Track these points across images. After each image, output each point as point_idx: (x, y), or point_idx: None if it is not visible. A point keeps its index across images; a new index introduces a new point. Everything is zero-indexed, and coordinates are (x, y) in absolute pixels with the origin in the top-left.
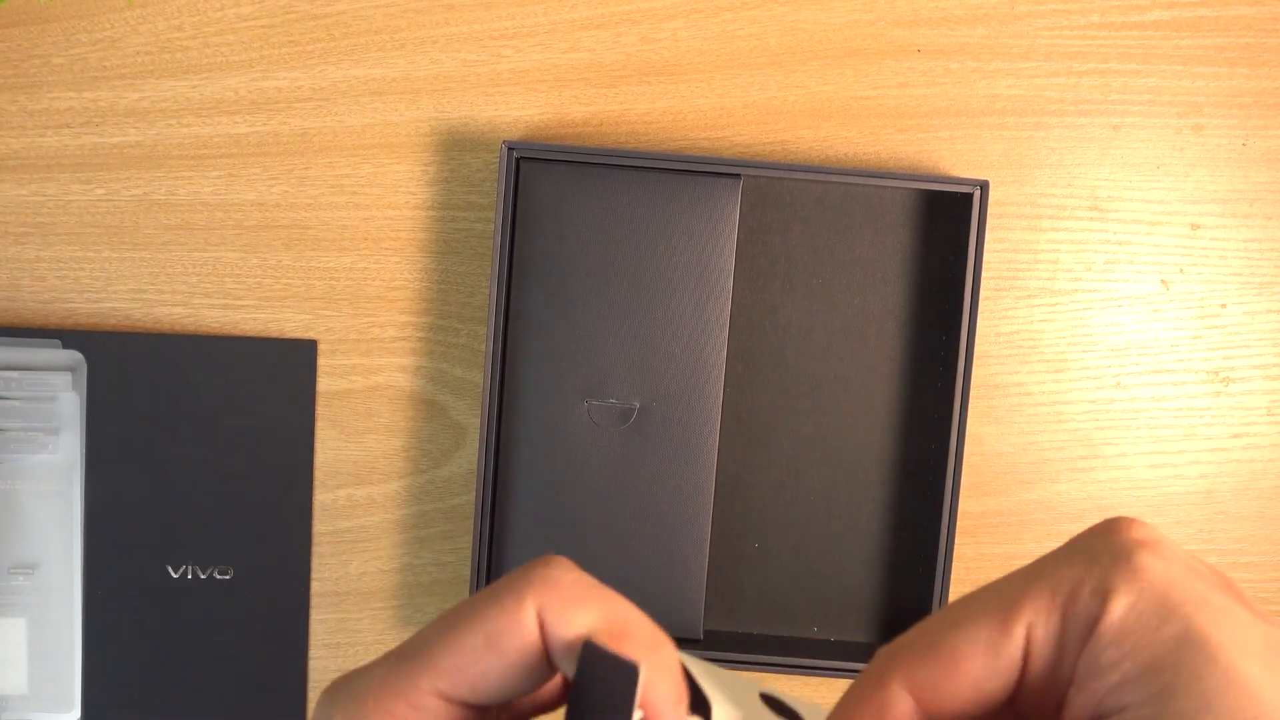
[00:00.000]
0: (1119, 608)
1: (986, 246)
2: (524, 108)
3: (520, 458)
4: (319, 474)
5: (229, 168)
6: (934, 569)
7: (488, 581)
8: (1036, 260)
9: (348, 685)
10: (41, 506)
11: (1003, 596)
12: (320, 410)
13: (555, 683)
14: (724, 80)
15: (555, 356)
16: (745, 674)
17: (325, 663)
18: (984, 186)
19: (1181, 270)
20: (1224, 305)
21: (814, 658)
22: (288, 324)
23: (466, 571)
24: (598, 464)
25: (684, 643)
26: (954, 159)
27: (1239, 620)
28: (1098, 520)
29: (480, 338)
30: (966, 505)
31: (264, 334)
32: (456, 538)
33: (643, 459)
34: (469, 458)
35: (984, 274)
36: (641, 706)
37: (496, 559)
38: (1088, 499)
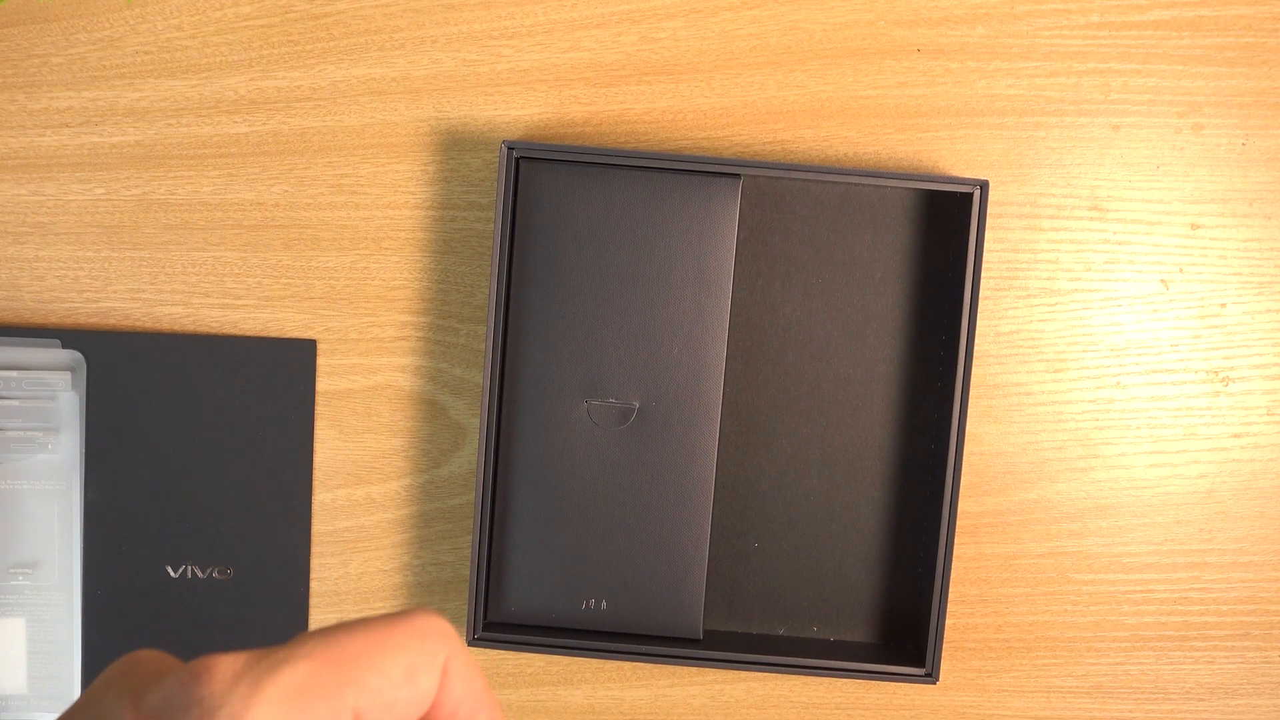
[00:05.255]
0: None
1: (986, 246)
2: (524, 108)
3: (520, 458)
4: (319, 474)
5: (228, 167)
6: (934, 569)
7: (488, 581)
8: (1036, 260)
9: (269, 671)
10: (41, 506)
11: None
12: (320, 410)
13: None
14: (724, 80)
15: (555, 356)
16: None
17: None
18: (984, 186)
19: (1181, 270)
20: (1224, 305)
21: (814, 658)
22: (287, 324)
23: (466, 571)
24: (598, 464)
25: (684, 643)
26: (953, 159)
27: None
28: (1097, 519)
29: (480, 338)
30: (966, 505)
31: (263, 334)
32: (456, 538)
33: (643, 459)
34: (469, 458)
35: (983, 274)
36: None
37: (496, 559)
38: (1087, 499)
